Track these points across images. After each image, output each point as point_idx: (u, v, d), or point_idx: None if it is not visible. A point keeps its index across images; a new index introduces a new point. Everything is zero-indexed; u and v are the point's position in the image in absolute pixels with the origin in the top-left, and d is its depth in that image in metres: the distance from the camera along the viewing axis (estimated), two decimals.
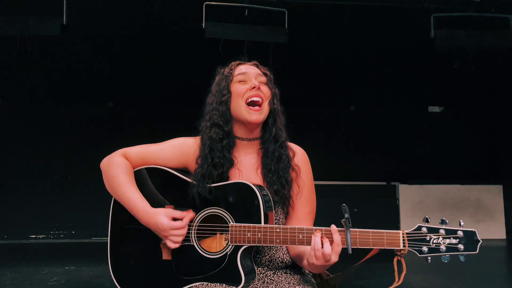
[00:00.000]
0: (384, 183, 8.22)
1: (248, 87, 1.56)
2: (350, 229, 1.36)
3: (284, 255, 1.62)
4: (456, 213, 7.92)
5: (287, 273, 1.60)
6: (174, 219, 1.48)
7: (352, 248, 1.34)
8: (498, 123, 8.56)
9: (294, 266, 1.65)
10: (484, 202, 8.03)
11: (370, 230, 1.37)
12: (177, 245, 1.48)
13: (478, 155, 8.53)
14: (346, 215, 1.37)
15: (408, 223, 7.83)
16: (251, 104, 1.56)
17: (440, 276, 4.74)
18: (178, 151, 1.63)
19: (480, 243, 1.30)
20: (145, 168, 1.63)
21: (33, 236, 7.43)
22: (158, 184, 1.60)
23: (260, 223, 1.44)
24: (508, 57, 6.25)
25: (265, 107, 1.59)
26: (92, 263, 5.19)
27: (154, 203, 1.56)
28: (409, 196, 7.99)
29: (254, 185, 1.48)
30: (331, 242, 1.37)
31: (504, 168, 8.39)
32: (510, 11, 5.77)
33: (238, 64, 1.65)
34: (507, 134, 8.37)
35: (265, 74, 1.64)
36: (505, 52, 6.00)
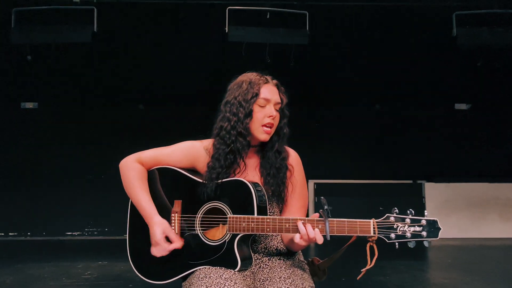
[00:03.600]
0: (410, 181, 8.21)
1: (267, 114, 1.81)
2: (328, 219, 1.56)
3: (279, 243, 1.85)
4: (484, 212, 7.83)
5: (280, 259, 1.82)
6: (167, 237, 1.75)
7: (332, 236, 1.55)
8: None
9: (288, 253, 1.87)
10: None
11: (346, 219, 1.57)
12: (156, 255, 1.75)
13: (507, 152, 8.39)
14: (325, 207, 1.58)
15: None
16: (264, 125, 1.81)
17: (462, 273, 4.73)
18: (186, 153, 1.88)
19: (441, 231, 1.46)
20: (158, 168, 1.87)
21: (69, 233, 7.80)
22: (169, 181, 1.85)
23: (254, 215, 1.67)
24: None
25: (273, 130, 1.85)
26: (124, 259, 5.40)
27: (165, 199, 1.83)
28: (435, 194, 7.95)
29: (249, 182, 1.72)
30: (313, 227, 1.60)
31: None
32: None
33: (265, 83, 1.85)
34: None
35: (281, 100, 1.87)
36: None
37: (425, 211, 1.53)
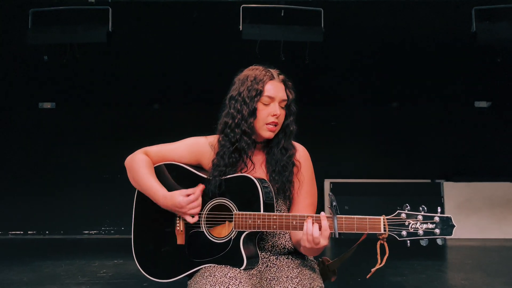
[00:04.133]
0: (429, 180, 8.05)
1: (271, 112, 1.75)
2: (337, 215, 1.50)
3: (287, 242, 1.79)
4: (506, 212, 7.62)
5: (289, 258, 1.77)
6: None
7: (340, 233, 1.49)
8: None
9: (296, 252, 1.81)
10: None
11: (355, 216, 1.52)
12: (196, 219, 1.70)
13: None
14: (334, 203, 1.53)
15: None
16: (268, 124, 1.77)
17: (482, 275, 4.62)
18: (191, 149, 1.85)
19: (455, 228, 1.39)
20: (164, 164, 1.85)
21: (86, 231, 7.87)
22: (174, 177, 1.83)
23: (260, 212, 1.62)
24: None
25: (278, 128, 1.80)
26: None
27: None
28: (454, 194, 7.77)
29: (255, 178, 1.68)
30: (321, 227, 1.53)
31: None
32: None
33: (270, 79, 1.78)
34: None
35: (287, 97, 1.80)
36: None
37: (438, 207, 1.46)
